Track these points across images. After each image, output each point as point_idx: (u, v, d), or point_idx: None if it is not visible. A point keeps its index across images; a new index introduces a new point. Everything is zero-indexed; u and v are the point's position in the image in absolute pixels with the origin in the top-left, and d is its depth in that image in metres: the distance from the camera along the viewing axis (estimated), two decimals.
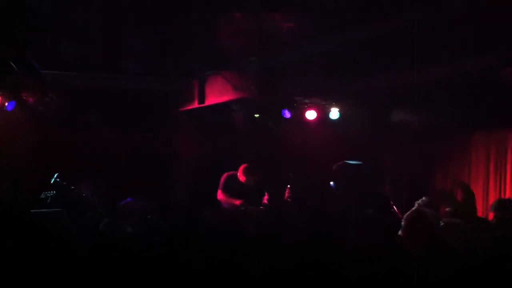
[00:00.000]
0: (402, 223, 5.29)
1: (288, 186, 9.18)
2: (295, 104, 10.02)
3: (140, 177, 10.27)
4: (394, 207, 8.29)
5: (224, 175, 9.09)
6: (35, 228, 5.20)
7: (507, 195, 9.18)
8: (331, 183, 9.12)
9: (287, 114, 10.15)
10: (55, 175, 8.35)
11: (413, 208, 6.54)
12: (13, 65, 7.34)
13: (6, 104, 8.44)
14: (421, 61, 6.96)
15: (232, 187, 8.97)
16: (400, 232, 5.19)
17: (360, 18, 6.47)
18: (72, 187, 8.37)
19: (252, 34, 7.38)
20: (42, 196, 8.12)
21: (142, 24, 7.69)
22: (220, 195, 8.99)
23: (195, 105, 10.37)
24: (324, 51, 7.80)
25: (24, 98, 8.46)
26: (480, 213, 9.21)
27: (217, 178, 9.26)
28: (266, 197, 9.04)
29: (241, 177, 8.96)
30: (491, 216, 7.07)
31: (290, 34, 7.18)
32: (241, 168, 8.99)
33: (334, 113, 10.11)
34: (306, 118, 10.24)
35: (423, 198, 7.07)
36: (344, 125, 10.41)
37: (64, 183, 8.29)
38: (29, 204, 7.60)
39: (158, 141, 11.15)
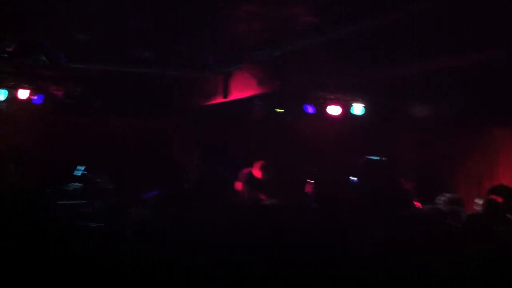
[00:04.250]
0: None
1: (311, 181, 9.25)
2: (321, 100, 9.95)
3: (155, 168, 10.34)
4: (416, 204, 8.31)
5: (244, 170, 9.31)
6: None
7: None
8: (354, 178, 9.14)
9: (310, 109, 10.12)
10: (83, 168, 8.46)
11: (432, 206, 6.58)
12: (44, 59, 7.39)
13: (35, 97, 8.48)
14: (436, 52, 6.90)
15: (252, 182, 9.22)
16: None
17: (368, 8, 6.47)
18: (99, 180, 8.48)
19: (265, 23, 7.41)
20: (70, 188, 8.23)
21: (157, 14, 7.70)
22: (239, 187, 9.23)
23: (219, 99, 10.43)
24: (337, 41, 7.74)
25: (54, 92, 8.47)
26: None
27: (231, 171, 9.49)
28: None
29: (257, 173, 9.19)
30: None
31: (302, 23, 7.20)
32: (257, 165, 9.19)
33: (358, 109, 9.94)
34: (328, 113, 10.13)
35: (447, 194, 6.99)
36: (364, 120, 10.40)
37: (91, 176, 8.40)
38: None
39: (178, 134, 11.21)
